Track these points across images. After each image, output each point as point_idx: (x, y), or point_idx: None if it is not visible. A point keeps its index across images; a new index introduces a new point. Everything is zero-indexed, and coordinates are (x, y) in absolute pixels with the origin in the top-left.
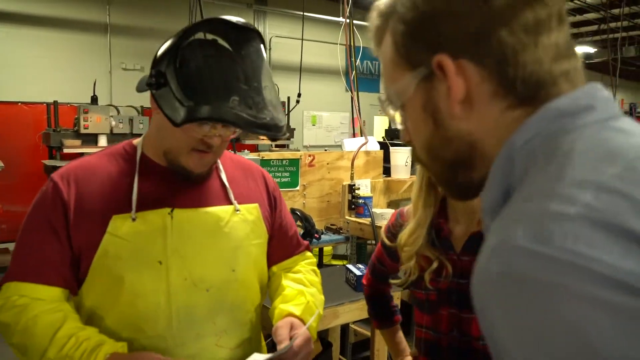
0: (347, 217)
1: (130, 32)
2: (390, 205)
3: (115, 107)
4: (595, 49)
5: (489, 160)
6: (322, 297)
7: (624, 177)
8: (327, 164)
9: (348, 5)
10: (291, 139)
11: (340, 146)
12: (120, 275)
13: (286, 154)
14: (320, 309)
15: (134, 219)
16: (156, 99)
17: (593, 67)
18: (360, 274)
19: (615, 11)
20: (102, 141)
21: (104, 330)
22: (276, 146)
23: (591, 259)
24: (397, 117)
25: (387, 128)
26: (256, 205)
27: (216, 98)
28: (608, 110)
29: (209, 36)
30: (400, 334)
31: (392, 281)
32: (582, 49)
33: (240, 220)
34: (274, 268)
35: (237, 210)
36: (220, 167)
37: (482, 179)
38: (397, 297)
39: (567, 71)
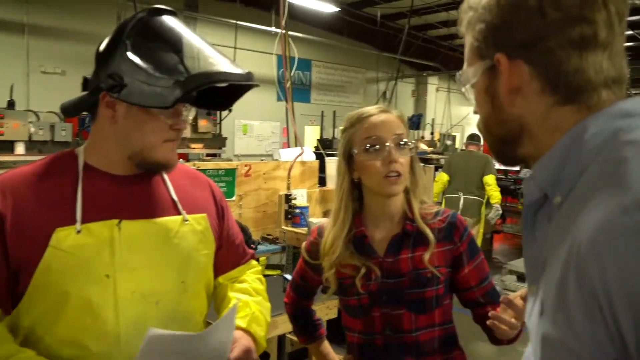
0: (283, 227)
1: (50, 34)
2: (326, 214)
3: (35, 113)
4: None
5: (536, 141)
6: (269, 304)
7: None
8: (264, 174)
9: (284, 17)
10: (223, 148)
11: (271, 155)
12: (65, 290)
13: (222, 164)
14: (267, 317)
15: (78, 231)
16: (125, 100)
17: None
18: None
19: None
20: (20, 149)
21: (43, 349)
22: (207, 155)
23: None
24: (469, 92)
25: (319, 138)
26: (204, 215)
27: (198, 66)
28: None
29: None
30: (327, 345)
31: (322, 296)
32: None
33: (189, 230)
34: (220, 279)
35: (186, 221)
36: (166, 176)
37: (526, 155)
38: (335, 305)
39: (609, 80)
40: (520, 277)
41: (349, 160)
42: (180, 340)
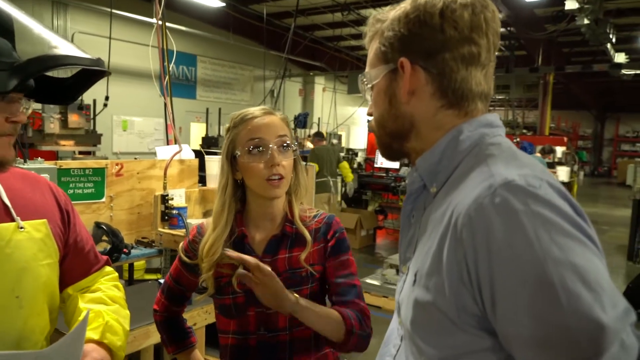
0: (159, 229)
1: None
2: (206, 215)
3: None
4: None
5: (422, 137)
6: (127, 312)
7: (542, 169)
8: (138, 173)
9: (160, 6)
10: (98, 146)
11: (154, 153)
12: None
13: (89, 163)
14: (126, 325)
15: None
16: None
17: None
18: None
19: None
20: None
21: None
22: (80, 153)
23: (551, 201)
24: (367, 93)
25: (204, 136)
26: (44, 221)
27: (40, 50)
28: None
29: None
30: (197, 353)
31: (197, 297)
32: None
33: (25, 238)
34: (70, 290)
35: (21, 228)
36: None
37: (410, 149)
38: (213, 309)
39: (483, 94)
40: None
41: (232, 161)
42: None
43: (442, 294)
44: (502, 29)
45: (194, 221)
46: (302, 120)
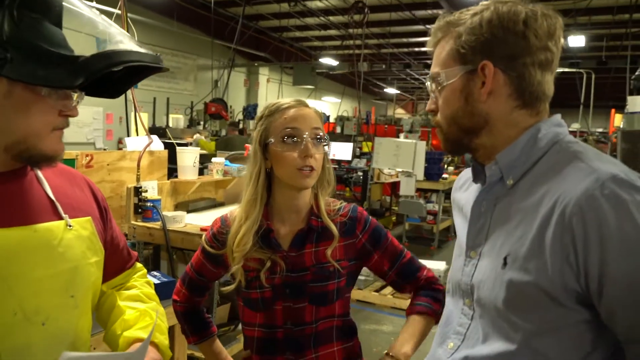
0: (133, 222)
1: None
2: (178, 207)
3: None
4: (337, 62)
5: (494, 133)
6: (162, 309)
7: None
8: (108, 164)
9: None
10: None
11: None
12: None
13: None
14: (165, 322)
15: None
16: (11, 77)
17: (332, 77)
18: (158, 281)
19: (355, 31)
20: None
21: None
22: None
23: None
24: (433, 89)
25: (151, 126)
26: (89, 218)
27: (103, 41)
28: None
29: None
30: (219, 343)
31: (223, 289)
32: (326, 61)
33: (74, 237)
34: (104, 287)
35: (70, 226)
36: (40, 174)
37: (479, 145)
38: None
39: (550, 97)
40: None
41: (264, 149)
42: None
43: (544, 274)
44: None
45: (170, 213)
46: (251, 112)
